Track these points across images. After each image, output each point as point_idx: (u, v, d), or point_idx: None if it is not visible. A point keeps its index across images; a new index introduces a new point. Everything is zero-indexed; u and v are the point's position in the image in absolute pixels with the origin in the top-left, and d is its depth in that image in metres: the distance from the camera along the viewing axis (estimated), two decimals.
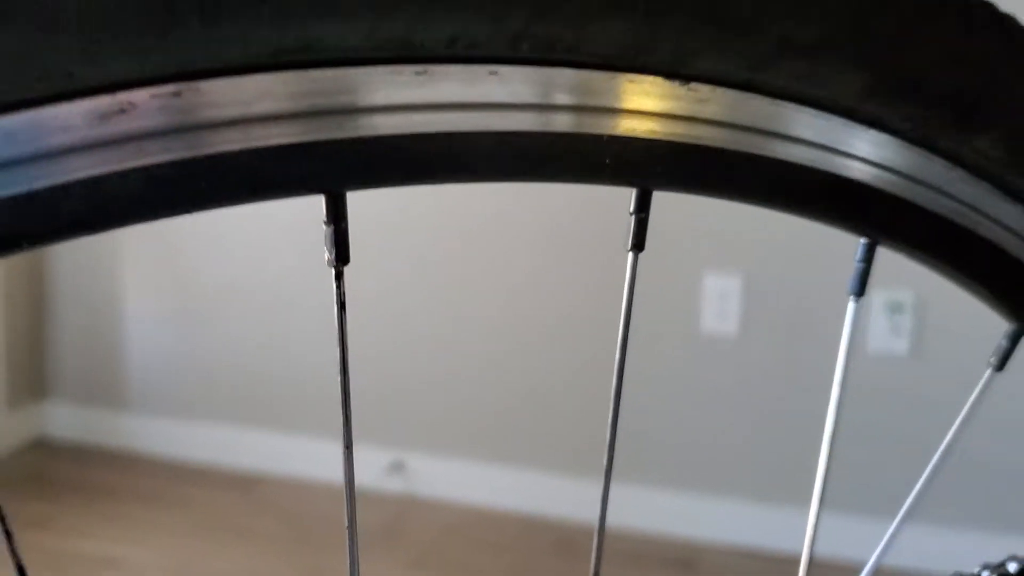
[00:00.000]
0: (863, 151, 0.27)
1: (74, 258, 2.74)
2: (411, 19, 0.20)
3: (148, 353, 2.71)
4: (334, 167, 0.22)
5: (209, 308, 2.65)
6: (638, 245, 0.26)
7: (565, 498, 2.33)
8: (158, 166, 0.20)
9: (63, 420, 2.79)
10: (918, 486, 0.42)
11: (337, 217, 0.23)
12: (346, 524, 0.28)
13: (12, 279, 2.71)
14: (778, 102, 0.25)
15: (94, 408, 2.77)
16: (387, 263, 2.46)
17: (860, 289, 0.33)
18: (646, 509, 2.29)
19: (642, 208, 0.26)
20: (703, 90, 0.24)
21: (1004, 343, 0.36)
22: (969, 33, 0.27)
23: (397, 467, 2.48)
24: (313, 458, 2.55)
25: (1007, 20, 0.28)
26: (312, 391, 2.57)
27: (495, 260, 2.41)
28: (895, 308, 2.15)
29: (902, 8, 0.26)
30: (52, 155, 0.19)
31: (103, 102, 0.19)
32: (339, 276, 0.23)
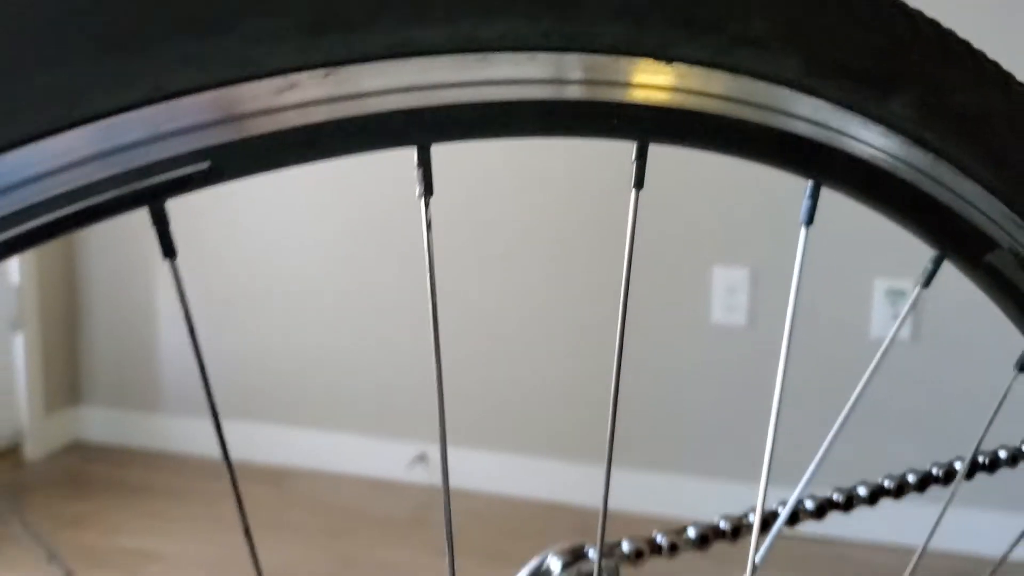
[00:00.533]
0: (804, 113, 0.37)
1: (107, 265, 2.85)
2: (475, 23, 0.30)
3: (180, 356, 2.81)
4: (425, 125, 0.31)
5: (239, 311, 2.75)
6: (638, 183, 0.36)
7: (585, 485, 2.42)
8: (317, 124, 0.30)
9: (98, 423, 2.90)
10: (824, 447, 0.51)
11: (426, 163, 0.32)
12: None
13: (46, 287, 2.82)
14: (738, 76, 0.35)
15: (128, 410, 2.88)
16: (409, 260, 2.56)
17: (809, 219, 0.43)
18: (658, 493, 2.38)
19: (641, 156, 0.36)
20: (682, 68, 0.34)
21: (929, 266, 0.46)
22: (879, 22, 0.37)
23: (421, 459, 2.57)
24: (341, 452, 2.65)
25: (911, 11, 0.38)
26: (340, 389, 2.67)
27: (513, 254, 2.51)
28: (896, 295, 2.23)
29: (827, 9, 0.36)
30: (245, 117, 0.29)
31: (278, 82, 0.29)
32: (427, 205, 0.33)
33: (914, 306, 0.44)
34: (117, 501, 2.56)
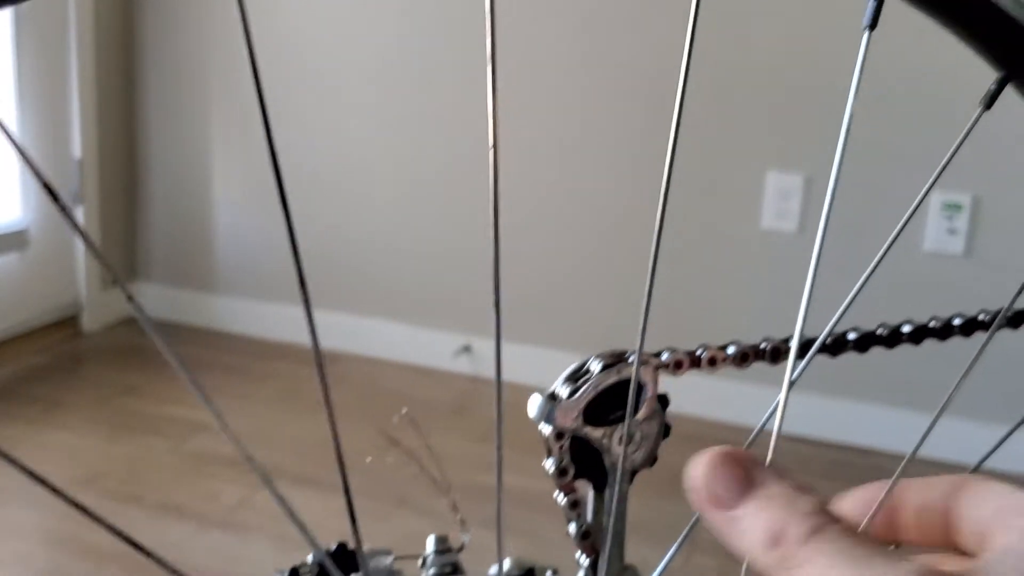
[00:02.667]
0: None
1: (165, 146, 2.88)
2: None
3: (234, 238, 2.86)
4: None
5: (296, 199, 2.77)
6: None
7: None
8: None
9: (154, 300, 2.97)
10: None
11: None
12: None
13: (106, 163, 2.86)
14: None
15: (183, 289, 2.95)
16: (465, 154, 2.56)
17: (873, 23, 0.42)
18: (700, 393, 2.40)
19: None
20: None
21: (992, 87, 0.45)
22: None
23: (466, 350, 2.62)
24: (386, 339, 2.70)
25: None
26: (390, 278, 2.71)
27: (565, 156, 2.50)
28: (952, 209, 2.20)
29: None
30: None
31: None
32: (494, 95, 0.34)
33: (974, 125, 0.44)
34: (169, 374, 2.63)
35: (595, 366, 0.41)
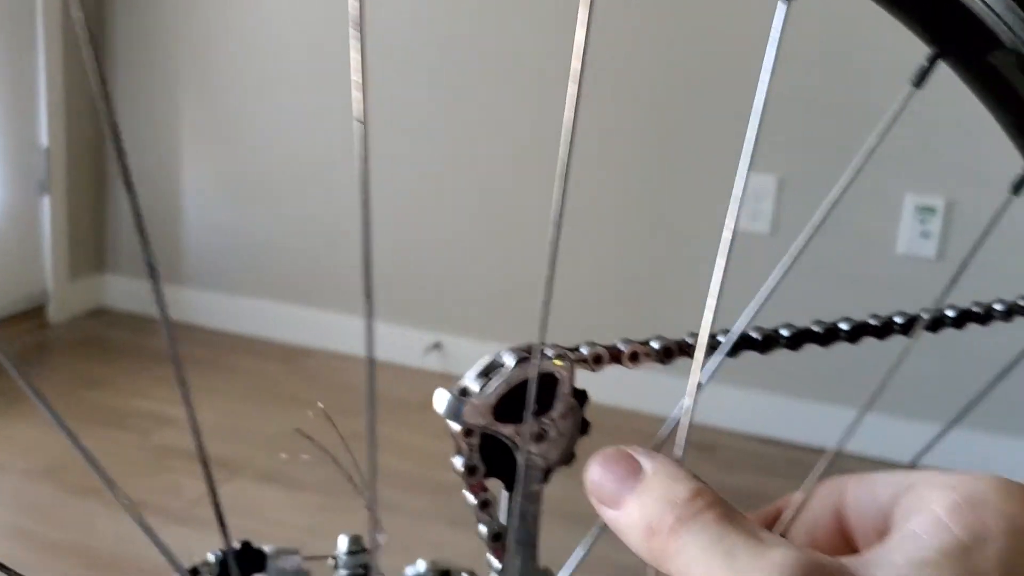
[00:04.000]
0: None
1: (135, 137, 2.85)
2: None
3: (203, 231, 2.83)
4: None
5: (262, 190, 2.76)
6: None
7: (589, 377, 2.43)
8: None
9: (122, 292, 2.94)
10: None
11: None
12: None
13: (75, 153, 2.83)
14: None
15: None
16: (435, 147, 2.54)
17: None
18: (662, 392, 2.39)
19: None
20: None
21: (924, 63, 0.43)
22: None
23: (436, 347, 2.60)
24: (354, 334, 2.67)
25: None
26: (357, 274, 2.68)
27: (533, 151, 2.48)
28: (926, 212, 2.20)
29: None
30: None
31: None
32: None
33: (904, 106, 0.42)
34: (136, 367, 2.60)
35: (508, 360, 0.39)
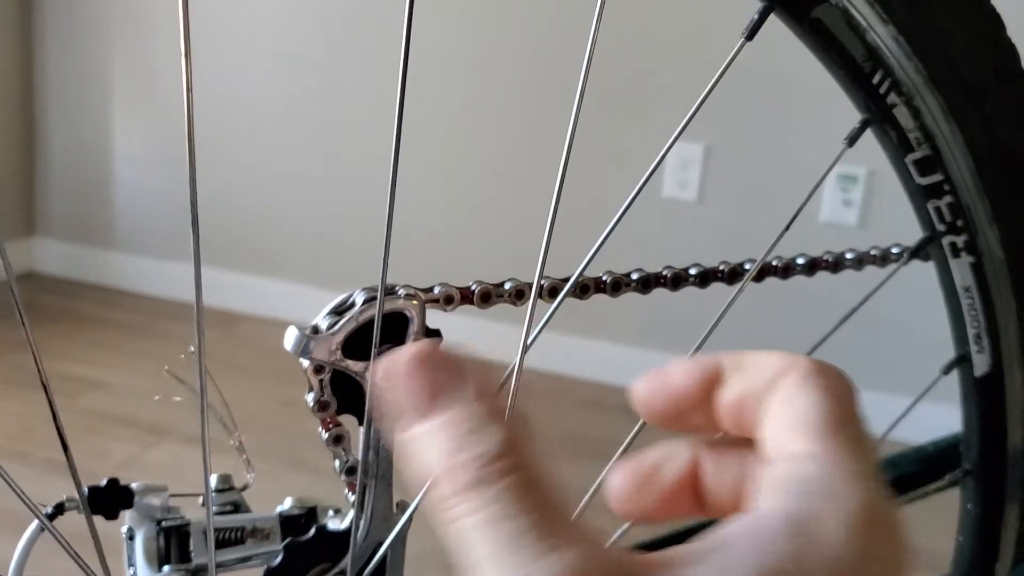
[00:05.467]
0: None
1: (64, 97, 2.81)
2: None
3: (135, 194, 2.80)
4: None
5: (197, 154, 2.73)
6: None
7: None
8: None
9: (51, 256, 2.90)
10: None
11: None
12: None
13: (2, 118, 2.78)
14: None
15: (81, 245, 2.88)
16: (368, 113, 2.53)
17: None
18: (601, 362, 2.42)
19: None
20: None
21: (755, 17, 0.45)
22: None
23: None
24: (290, 299, 2.67)
25: None
26: (291, 237, 2.68)
27: (466, 114, 2.49)
28: (847, 181, 2.24)
29: None
30: None
31: None
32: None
33: (735, 57, 0.45)
34: (65, 331, 2.58)
35: (359, 299, 0.41)
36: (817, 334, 0.61)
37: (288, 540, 0.40)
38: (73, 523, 0.49)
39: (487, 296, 0.43)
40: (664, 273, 0.50)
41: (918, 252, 0.56)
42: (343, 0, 2.52)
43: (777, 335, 2.27)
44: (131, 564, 0.44)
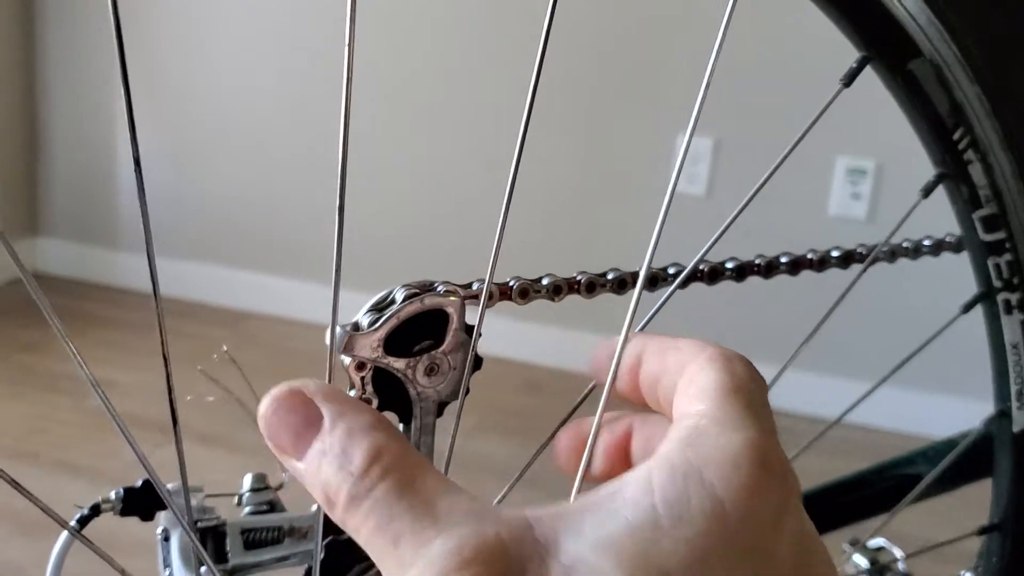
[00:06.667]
0: None
1: (68, 97, 2.80)
2: None
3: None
4: None
5: (201, 151, 2.73)
6: None
7: (533, 340, 2.46)
8: None
9: (56, 256, 2.90)
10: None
11: None
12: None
13: (5, 118, 2.77)
14: None
15: (87, 245, 2.88)
16: (376, 112, 2.53)
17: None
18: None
19: None
20: None
21: (853, 65, 0.47)
22: None
23: None
24: (296, 298, 2.67)
25: None
26: (297, 236, 2.67)
27: (472, 116, 2.48)
28: (856, 174, 2.24)
29: None
30: None
31: None
32: None
33: (832, 101, 0.46)
34: (71, 331, 2.52)
35: (399, 295, 0.40)
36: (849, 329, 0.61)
37: (330, 538, 0.39)
38: (105, 525, 0.49)
39: (525, 293, 0.42)
40: (703, 268, 0.49)
41: (971, 306, 0.57)
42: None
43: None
44: (167, 565, 0.43)
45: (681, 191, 2.36)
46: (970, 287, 0.59)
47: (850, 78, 0.50)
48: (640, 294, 0.37)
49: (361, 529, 0.25)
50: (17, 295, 2.80)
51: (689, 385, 0.29)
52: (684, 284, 0.51)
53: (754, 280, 0.53)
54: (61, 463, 1.97)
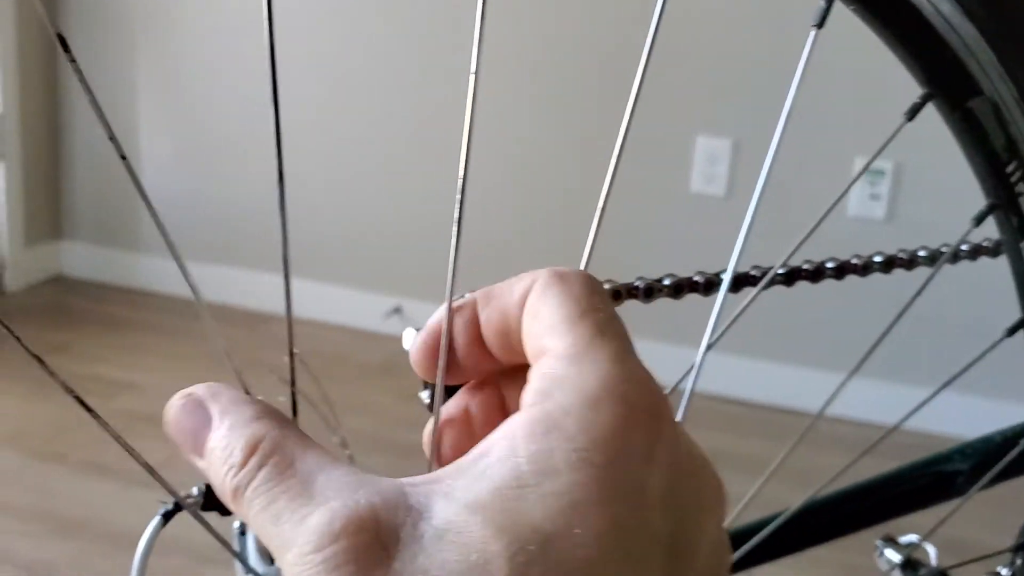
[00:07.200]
0: None
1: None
2: None
3: (160, 197, 2.82)
4: None
5: (222, 157, 2.75)
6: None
7: None
8: None
9: (79, 259, 2.93)
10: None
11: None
12: None
13: (29, 123, 2.80)
14: None
15: (109, 248, 2.90)
16: (397, 113, 2.55)
17: (821, 22, 0.46)
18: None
19: None
20: None
21: (917, 101, 0.49)
22: None
23: (397, 311, 2.62)
24: (318, 300, 2.69)
25: None
26: (318, 238, 2.69)
27: (501, 112, 2.50)
28: (875, 175, 2.25)
29: None
30: None
31: None
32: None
33: (895, 135, 0.48)
34: (96, 333, 2.60)
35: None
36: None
37: None
38: (180, 522, 0.50)
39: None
40: (753, 272, 0.51)
41: (1016, 330, 0.59)
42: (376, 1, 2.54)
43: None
44: (243, 558, 0.45)
45: (701, 192, 2.37)
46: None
47: (913, 113, 0.53)
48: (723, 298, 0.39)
49: (248, 515, 0.26)
50: (43, 298, 2.83)
51: (533, 320, 0.28)
52: (767, 286, 0.54)
53: (802, 284, 0.55)
54: (89, 463, 2.00)
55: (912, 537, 0.74)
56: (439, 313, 0.32)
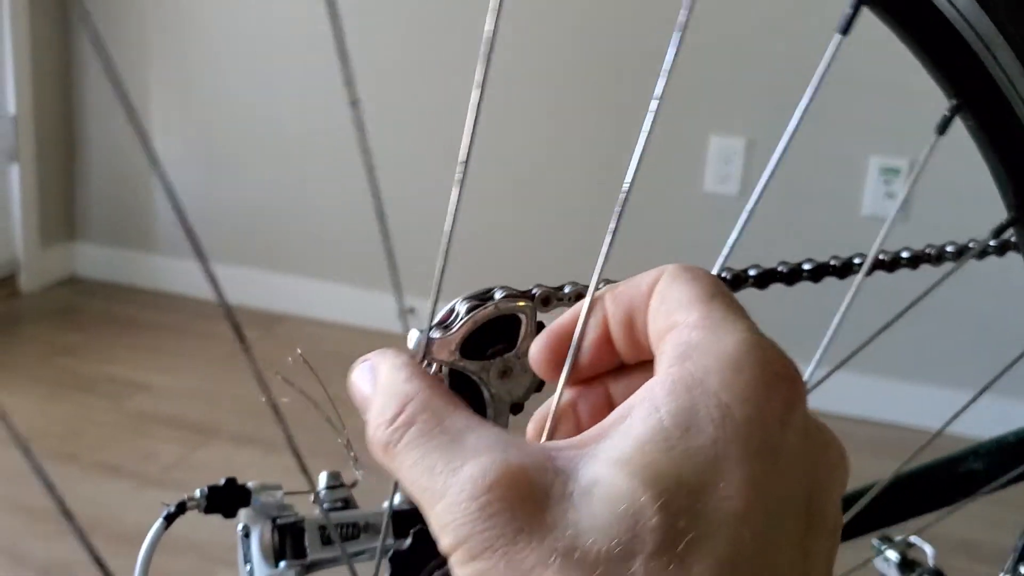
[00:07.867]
0: None
1: (105, 103, 2.84)
2: None
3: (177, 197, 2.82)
4: None
5: (237, 158, 2.75)
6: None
7: None
8: None
9: (93, 260, 2.94)
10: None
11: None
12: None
13: (43, 124, 2.81)
14: None
15: (123, 249, 2.91)
16: (407, 115, 2.55)
17: (845, 29, 0.45)
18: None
19: None
20: None
21: (946, 114, 0.49)
22: None
23: (411, 312, 2.61)
24: (329, 300, 2.69)
25: None
26: (331, 238, 2.69)
27: (511, 113, 2.50)
28: (890, 173, 2.23)
29: None
30: None
31: None
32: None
33: (932, 150, 0.47)
34: (109, 334, 2.61)
35: (462, 308, 0.42)
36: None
37: (419, 526, 0.41)
38: (187, 523, 0.50)
39: (580, 298, 0.44)
40: (780, 268, 0.51)
41: None
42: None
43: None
44: (247, 561, 0.45)
45: (714, 191, 2.37)
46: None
47: (943, 127, 0.51)
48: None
49: (401, 469, 0.27)
50: (57, 299, 2.84)
51: (661, 303, 0.29)
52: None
53: (804, 285, 0.54)
54: (100, 464, 2.00)
55: (911, 537, 0.73)
56: (570, 314, 0.33)
